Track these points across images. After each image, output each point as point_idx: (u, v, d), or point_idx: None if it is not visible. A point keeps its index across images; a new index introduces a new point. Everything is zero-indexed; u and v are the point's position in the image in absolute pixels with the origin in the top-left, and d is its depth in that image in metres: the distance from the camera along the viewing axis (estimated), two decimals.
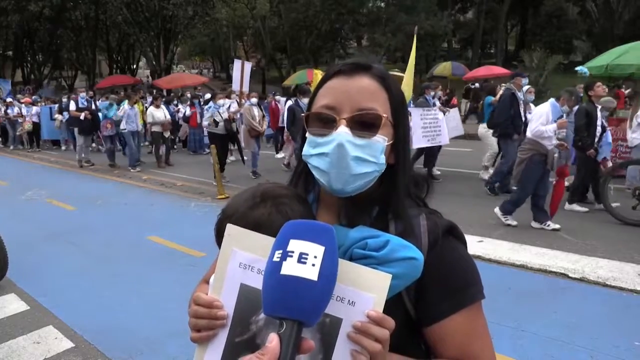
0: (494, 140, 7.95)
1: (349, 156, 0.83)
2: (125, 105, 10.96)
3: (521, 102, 7.15)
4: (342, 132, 0.84)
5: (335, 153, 0.84)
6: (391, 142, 0.90)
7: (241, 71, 9.92)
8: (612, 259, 4.60)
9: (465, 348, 0.87)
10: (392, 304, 0.75)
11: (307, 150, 0.89)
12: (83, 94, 12.35)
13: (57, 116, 14.49)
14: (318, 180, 0.89)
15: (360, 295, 0.72)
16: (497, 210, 5.93)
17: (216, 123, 9.12)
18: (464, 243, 0.94)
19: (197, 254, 5.16)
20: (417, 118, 7.66)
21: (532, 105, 7.39)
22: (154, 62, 28.75)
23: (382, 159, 0.87)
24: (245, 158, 9.65)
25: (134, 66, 37.06)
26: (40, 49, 32.01)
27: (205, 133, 10.94)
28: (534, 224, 5.73)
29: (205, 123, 9.15)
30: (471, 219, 5.98)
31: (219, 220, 0.94)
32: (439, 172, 8.85)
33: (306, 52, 32.58)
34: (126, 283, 4.56)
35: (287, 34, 31.87)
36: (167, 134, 11.57)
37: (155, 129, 11.29)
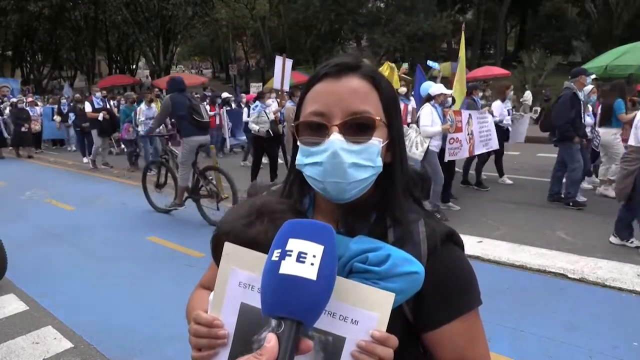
0: (621, 148, 6.54)
1: (345, 164, 0.80)
2: (142, 105, 10.41)
3: (582, 103, 6.39)
4: (335, 140, 0.80)
5: (329, 162, 0.81)
6: (386, 142, 0.87)
7: (282, 68, 9.36)
8: (612, 259, 4.60)
9: (463, 353, 0.88)
10: (392, 312, 0.75)
11: (300, 159, 0.86)
12: (98, 94, 11.87)
13: (56, 117, 14.50)
14: (314, 188, 0.87)
15: (363, 314, 0.72)
16: (613, 239, 5.08)
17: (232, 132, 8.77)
18: (462, 248, 0.93)
19: (196, 254, 5.15)
20: (475, 122, 6.98)
21: (590, 107, 6.83)
22: (154, 62, 28.83)
23: (379, 162, 0.85)
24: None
25: (134, 66, 37.11)
26: (39, 48, 32.09)
27: (228, 135, 10.37)
28: (614, 240, 5.04)
29: (251, 125, 8.46)
30: (470, 220, 5.98)
31: (215, 235, 0.93)
32: (510, 182, 8.17)
33: (306, 52, 32.64)
34: (125, 283, 4.55)
35: (286, 34, 31.93)
36: None
37: None
